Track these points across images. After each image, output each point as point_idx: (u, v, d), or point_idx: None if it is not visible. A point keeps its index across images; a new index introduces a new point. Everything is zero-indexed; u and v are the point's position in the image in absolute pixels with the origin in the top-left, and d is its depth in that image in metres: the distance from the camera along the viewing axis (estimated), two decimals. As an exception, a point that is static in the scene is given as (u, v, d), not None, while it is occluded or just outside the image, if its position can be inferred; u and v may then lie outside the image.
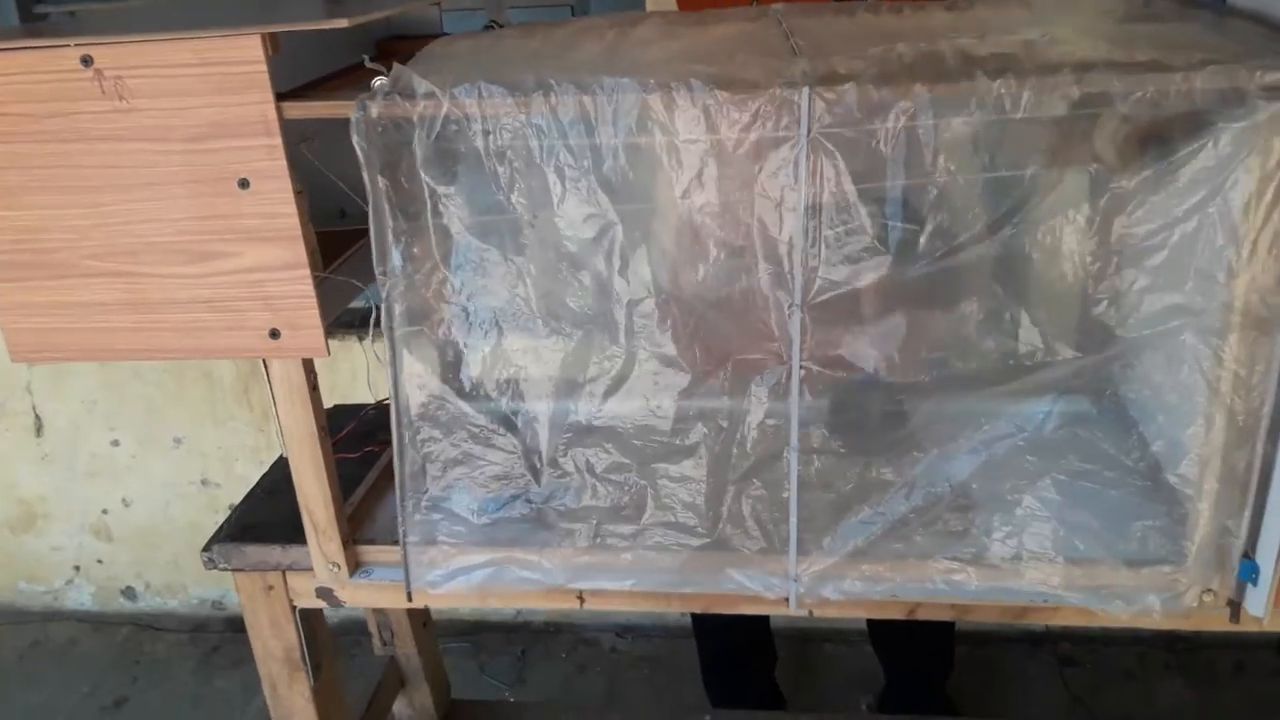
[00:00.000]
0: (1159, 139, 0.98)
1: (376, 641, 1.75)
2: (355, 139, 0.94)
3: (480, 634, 2.43)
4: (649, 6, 2.12)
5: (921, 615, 1.13)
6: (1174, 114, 0.90)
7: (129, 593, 2.62)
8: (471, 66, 1.02)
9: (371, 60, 0.98)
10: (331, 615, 1.35)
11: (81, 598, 2.64)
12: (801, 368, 1.01)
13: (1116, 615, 1.05)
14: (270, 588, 1.26)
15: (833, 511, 1.07)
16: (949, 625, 2.00)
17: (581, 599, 1.15)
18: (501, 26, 1.36)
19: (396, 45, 1.29)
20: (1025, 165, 0.99)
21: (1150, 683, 2.17)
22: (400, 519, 1.10)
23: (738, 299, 1.01)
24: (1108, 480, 1.11)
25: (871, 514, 1.06)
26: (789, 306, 0.99)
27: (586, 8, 2.38)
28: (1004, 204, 0.99)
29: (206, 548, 1.27)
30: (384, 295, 1.00)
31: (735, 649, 2.05)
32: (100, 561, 2.59)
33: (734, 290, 1.02)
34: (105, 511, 2.53)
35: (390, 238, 0.98)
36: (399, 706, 1.77)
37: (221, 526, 1.30)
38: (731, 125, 0.92)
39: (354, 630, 2.16)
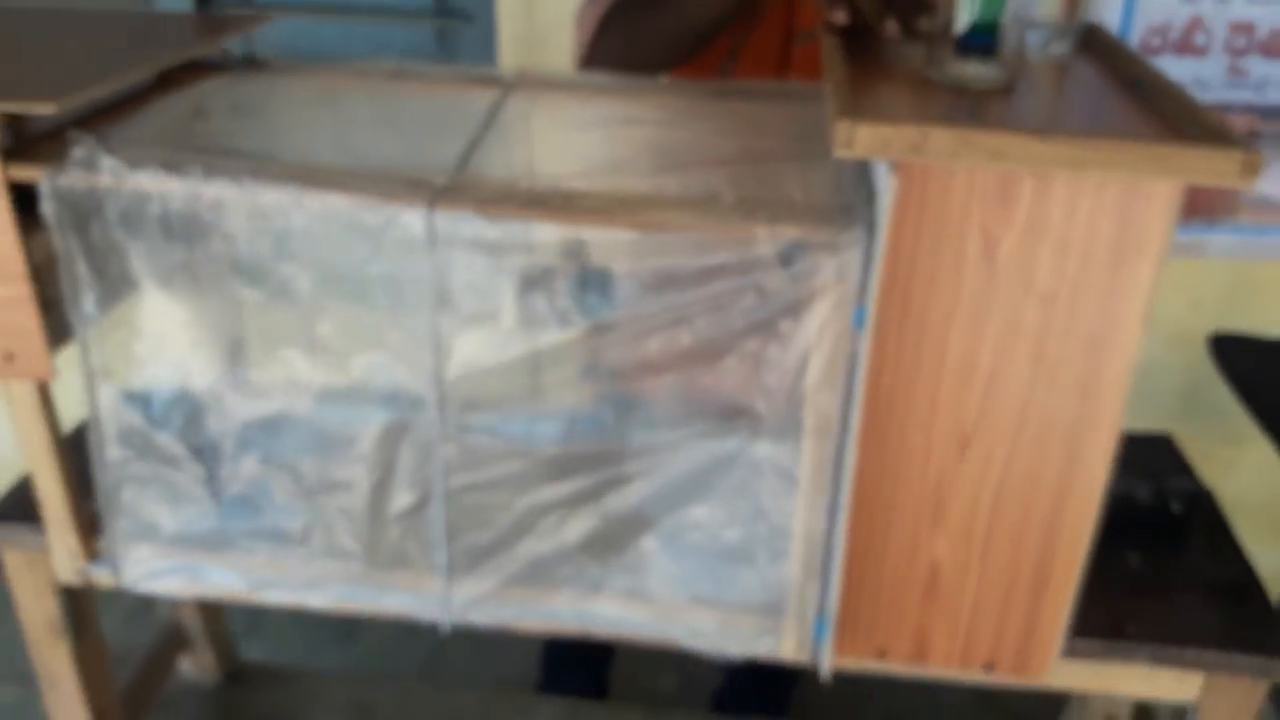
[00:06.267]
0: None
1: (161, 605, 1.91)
2: (43, 204, 1.07)
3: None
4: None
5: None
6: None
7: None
8: (181, 134, 1.15)
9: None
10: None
11: None
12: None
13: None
14: (33, 563, 1.42)
15: (488, 542, 1.22)
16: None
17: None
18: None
19: (180, 75, 1.41)
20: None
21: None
22: (106, 523, 1.28)
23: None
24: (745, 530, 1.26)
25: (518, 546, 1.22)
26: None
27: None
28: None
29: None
30: (78, 338, 1.15)
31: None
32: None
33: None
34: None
35: (82, 288, 1.12)
36: (186, 666, 1.95)
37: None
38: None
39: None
